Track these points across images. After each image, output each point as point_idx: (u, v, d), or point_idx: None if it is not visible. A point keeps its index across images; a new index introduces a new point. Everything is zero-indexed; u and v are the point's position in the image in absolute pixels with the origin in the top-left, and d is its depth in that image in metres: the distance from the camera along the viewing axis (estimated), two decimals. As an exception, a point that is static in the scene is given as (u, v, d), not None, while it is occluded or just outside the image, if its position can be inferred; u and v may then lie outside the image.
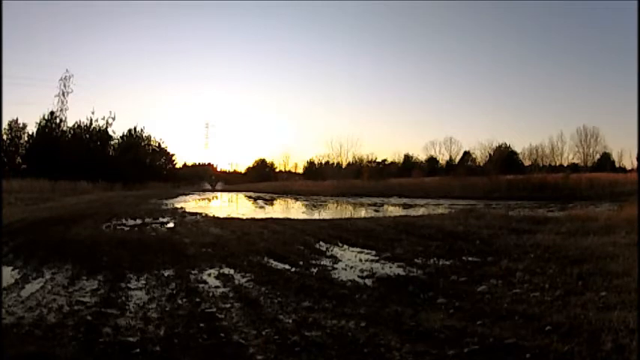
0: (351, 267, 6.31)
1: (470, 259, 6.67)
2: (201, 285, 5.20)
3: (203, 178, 68.01)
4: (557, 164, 45.57)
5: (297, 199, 29.88)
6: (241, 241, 8.57)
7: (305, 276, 5.63)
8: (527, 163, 46.68)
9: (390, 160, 57.70)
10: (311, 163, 63.41)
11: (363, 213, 18.35)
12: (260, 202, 27.77)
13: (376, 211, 19.35)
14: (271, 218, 14.12)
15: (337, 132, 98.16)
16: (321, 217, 15.94)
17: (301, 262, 6.51)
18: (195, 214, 15.49)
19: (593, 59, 65.30)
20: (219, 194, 41.12)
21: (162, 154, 57.61)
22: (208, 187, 58.84)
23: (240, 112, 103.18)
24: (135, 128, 51.63)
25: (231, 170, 73.80)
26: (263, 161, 70.00)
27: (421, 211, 18.01)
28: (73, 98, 50.35)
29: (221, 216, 14.86)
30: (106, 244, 7.93)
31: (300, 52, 78.94)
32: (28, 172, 34.18)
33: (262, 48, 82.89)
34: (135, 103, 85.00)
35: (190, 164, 72.49)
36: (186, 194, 36.57)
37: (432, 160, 55.88)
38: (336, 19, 75.99)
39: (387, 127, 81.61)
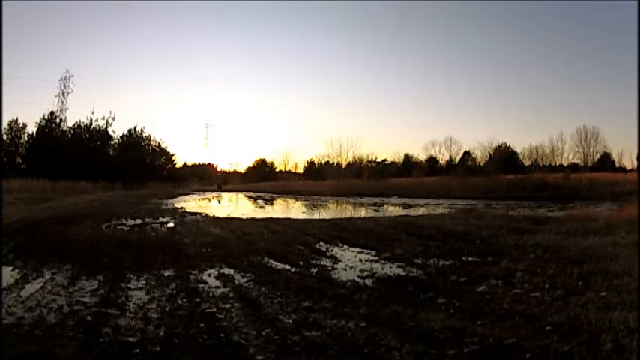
0: (351, 267, 6.32)
1: (470, 259, 6.68)
2: (201, 285, 5.20)
3: (202, 178, 67.88)
4: (557, 164, 45.61)
5: (297, 199, 29.88)
6: (241, 241, 8.57)
7: (305, 276, 5.63)
8: (527, 163, 46.76)
9: (390, 160, 57.84)
10: (311, 163, 63.48)
11: (363, 213, 18.36)
12: (260, 202, 27.77)
13: (376, 211, 19.35)
14: (271, 218, 14.12)
15: (337, 132, 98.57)
16: (321, 217, 15.93)
17: (301, 262, 6.51)
18: (195, 214, 15.49)
19: (593, 59, 65.41)
20: (218, 194, 41.12)
21: (162, 154, 57.57)
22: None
23: (240, 112, 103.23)
24: (135, 128, 51.70)
25: (231, 170, 73.90)
26: (263, 161, 70.09)
27: (421, 211, 18.03)
28: (73, 98, 50.50)
29: (221, 216, 14.87)
30: (106, 244, 7.93)
31: (300, 52, 79.05)
32: (28, 172, 34.10)
33: (262, 48, 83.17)
34: (135, 103, 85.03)
35: (190, 164, 72.64)
36: (186, 194, 36.56)
37: (432, 160, 55.88)
38: (336, 19, 76.21)
39: (387, 127, 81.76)
